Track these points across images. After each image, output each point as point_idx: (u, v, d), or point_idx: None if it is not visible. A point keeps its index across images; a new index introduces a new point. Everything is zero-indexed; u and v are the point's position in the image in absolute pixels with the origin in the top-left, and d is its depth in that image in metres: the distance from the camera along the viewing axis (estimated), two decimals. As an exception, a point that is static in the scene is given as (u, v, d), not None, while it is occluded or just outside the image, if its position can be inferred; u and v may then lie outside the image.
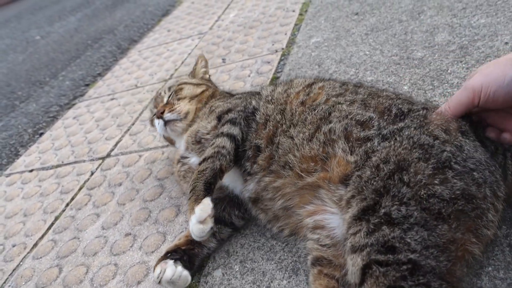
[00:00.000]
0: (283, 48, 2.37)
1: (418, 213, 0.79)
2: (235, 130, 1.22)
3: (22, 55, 4.70)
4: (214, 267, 1.20)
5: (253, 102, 1.29)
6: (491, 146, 0.96)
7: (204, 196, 1.09)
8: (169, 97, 1.57)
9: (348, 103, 1.09)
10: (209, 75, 1.78)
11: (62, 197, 1.84)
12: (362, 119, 1.01)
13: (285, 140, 1.11)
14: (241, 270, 1.16)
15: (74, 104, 2.88)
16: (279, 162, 1.10)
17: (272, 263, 1.14)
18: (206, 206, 1.07)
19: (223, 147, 1.19)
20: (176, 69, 2.72)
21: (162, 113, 1.47)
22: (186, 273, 1.13)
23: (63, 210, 1.74)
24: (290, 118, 1.14)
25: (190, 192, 1.13)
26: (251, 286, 1.10)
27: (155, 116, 1.52)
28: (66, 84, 3.32)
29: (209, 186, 1.12)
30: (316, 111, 1.10)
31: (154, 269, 1.13)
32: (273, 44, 2.48)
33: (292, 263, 1.12)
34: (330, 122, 1.05)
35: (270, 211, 1.16)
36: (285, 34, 2.55)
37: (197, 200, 1.08)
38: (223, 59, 2.56)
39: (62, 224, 1.65)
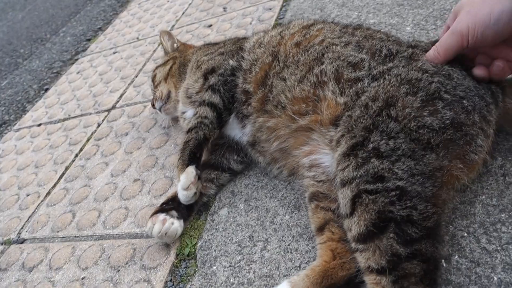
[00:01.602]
0: (284, -6, 2.32)
1: (406, 145, 0.82)
2: (216, 98, 1.28)
3: (21, 12, 4.64)
4: (220, 206, 1.25)
5: (231, 62, 1.31)
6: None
7: (188, 165, 1.18)
8: (153, 88, 1.68)
9: (343, 44, 1.10)
10: (177, 44, 1.78)
11: (71, 148, 1.88)
12: (354, 61, 1.03)
13: (278, 82, 1.13)
14: (246, 208, 1.21)
15: (77, 59, 2.87)
16: (272, 102, 1.13)
17: (275, 200, 1.19)
18: (189, 174, 1.16)
19: (205, 117, 1.26)
20: (177, 20, 2.69)
21: (153, 105, 1.63)
22: (175, 226, 1.17)
23: (73, 161, 1.79)
24: (284, 59, 1.16)
25: (178, 160, 1.23)
26: (255, 222, 1.15)
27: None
28: (68, 40, 3.30)
29: (193, 155, 1.21)
30: (309, 52, 1.11)
31: (147, 222, 1.18)
32: (274, -9, 2.42)
33: (294, 199, 1.16)
34: (322, 64, 1.06)
35: (268, 153, 1.21)
36: (287, -21, 2.48)
37: (182, 169, 1.18)
38: (224, 8, 2.52)
39: (72, 174, 1.71)
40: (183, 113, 1.44)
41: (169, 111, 1.60)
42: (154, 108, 1.63)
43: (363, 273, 0.81)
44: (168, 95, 1.58)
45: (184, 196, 1.17)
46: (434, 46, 0.97)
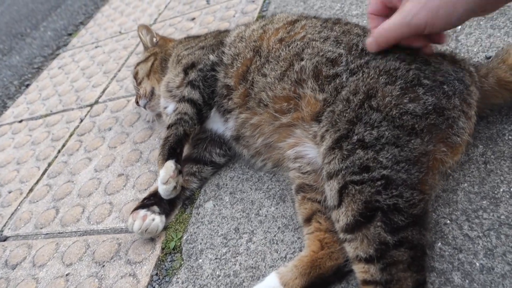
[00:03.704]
0: (267, -13, 2.31)
1: (389, 132, 0.83)
2: (196, 95, 1.28)
3: (0, 7, 4.53)
4: (205, 199, 1.25)
5: (211, 57, 1.30)
6: (445, 58, 0.98)
7: (166, 160, 1.19)
8: (136, 86, 1.64)
9: (322, 40, 1.09)
10: (156, 38, 1.74)
11: (54, 144, 1.85)
12: (332, 56, 1.03)
13: (259, 78, 1.13)
14: (231, 201, 1.20)
15: (58, 54, 2.83)
16: (254, 100, 1.14)
17: (261, 192, 1.19)
18: (168, 168, 1.17)
19: (185, 113, 1.26)
20: (159, 13, 2.66)
21: (137, 102, 1.60)
22: (156, 222, 1.16)
23: (56, 157, 1.77)
24: (266, 55, 1.15)
25: (158, 155, 1.23)
26: (241, 214, 1.15)
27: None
28: (48, 34, 3.24)
29: (173, 150, 1.21)
30: (290, 47, 1.11)
31: (128, 218, 1.18)
32: (257, -17, 2.41)
33: (280, 191, 1.16)
34: (302, 60, 1.06)
35: (252, 147, 1.21)
36: (270, -28, 2.47)
37: (161, 164, 1.19)
38: (207, 1, 2.50)
39: (55, 170, 1.68)
40: (165, 108, 1.44)
41: (154, 108, 1.58)
42: (138, 105, 1.60)
43: (351, 263, 0.82)
44: (152, 92, 1.57)
45: (163, 190, 1.17)
46: (377, 33, 0.93)
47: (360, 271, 0.79)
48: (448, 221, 0.91)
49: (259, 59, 1.16)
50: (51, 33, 3.25)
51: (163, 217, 1.19)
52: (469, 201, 0.93)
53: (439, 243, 0.88)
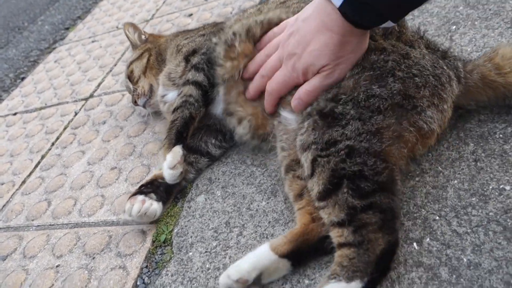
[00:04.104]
0: (265, -16, 2.31)
1: (354, 111, 0.89)
2: (200, 77, 1.27)
3: (-2, 0, 4.52)
4: (197, 193, 1.25)
5: (214, 40, 1.29)
6: (436, 52, 1.02)
7: (174, 145, 1.19)
8: (132, 86, 1.58)
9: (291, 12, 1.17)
10: (145, 35, 1.70)
11: (47, 137, 1.85)
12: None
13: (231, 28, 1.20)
14: (223, 195, 1.20)
15: (54, 48, 2.82)
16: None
17: (252, 187, 1.19)
18: (176, 154, 1.18)
19: (190, 95, 1.25)
20: (157, 9, 2.66)
21: (136, 102, 1.56)
22: (155, 207, 1.17)
23: (49, 149, 1.76)
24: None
25: (164, 139, 1.24)
26: (232, 208, 1.15)
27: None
28: (46, 28, 3.23)
29: (180, 135, 1.22)
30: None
31: (126, 204, 1.17)
32: (255, -20, 2.41)
33: (271, 186, 1.16)
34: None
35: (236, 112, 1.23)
36: (268, -31, 2.47)
37: (169, 148, 1.19)
38: (205, -3, 2.50)
39: (48, 162, 1.68)
40: (163, 96, 1.42)
41: (153, 106, 1.55)
42: (137, 105, 1.56)
43: (329, 231, 0.86)
44: (151, 89, 1.54)
45: (170, 175, 1.18)
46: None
47: (335, 235, 0.84)
48: (437, 217, 0.91)
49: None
50: (49, 27, 3.24)
51: (161, 204, 1.19)
52: (458, 197, 0.94)
53: (428, 239, 0.88)
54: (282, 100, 1.09)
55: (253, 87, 1.14)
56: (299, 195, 1.01)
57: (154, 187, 1.21)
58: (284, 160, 1.07)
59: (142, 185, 1.23)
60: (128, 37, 1.70)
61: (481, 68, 1.03)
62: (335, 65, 0.94)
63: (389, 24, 0.86)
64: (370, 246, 0.79)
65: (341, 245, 0.82)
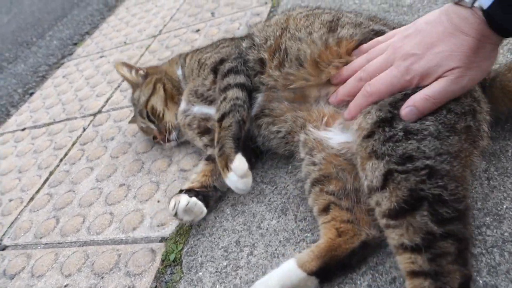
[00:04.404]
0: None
1: (434, 127, 0.83)
2: (241, 78, 1.21)
3: (7, 16, 4.58)
4: (207, 211, 1.24)
5: (244, 44, 1.29)
6: None
7: (236, 153, 1.10)
8: (154, 125, 1.49)
9: (354, 14, 1.16)
10: (142, 71, 1.59)
11: (56, 153, 1.85)
12: (377, 29, 1.07)
13: (291, 44, 1.12)
14: (232, 213, 1.20)
15: (63, 63, 2.84)
16: (290, 64, 1.12)
17: (262, 205, 1.18)
18: (242, 160, 1.08)
19: (237, 98, 1.18)
20: (165, 25, 2.68)
21: (168, 140, 1.46)
22: (201, 204, 1.14)
23: (57, 165, 1.77)
24: (295, 27, 1.16)
25: (219, 150, 1.13)
26: (242, 227, 1.14)
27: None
28: (54, 43, 3.27)
29: (238, 141, 1.13)
30: (321, 17, 1.14)
31: (169, 203, 1.15)
32: (262, -4, 2.43)
33: (281, 204, 1.16)
34: (341, 26, 1.08)
35: (274, 111, 1.18)
36: (274, -15, 2.49)
37: (230, 157, 1.09)
38: (212, 13, 2.52)
39: (57, 178, 1.68)
40: (186, 111, 1.37)
41: (183, 135, 1.48)
42: (169, 142, 1.47)
43: (394, 253, 0.81)
44: (177, 120, 1.45)
45: (243, 185, 1.09)
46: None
47: (406, 262, 0.78)
48: (451, 238, 0.90)
49: (289, 32, 1.16)
50: (57, 42, 3.27)
51: (204, 207, 1.16)
52: (472, 217, 0.92)
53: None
54: (329, 119, 1.05)
55: (344, 91, 1.00)
56: (325, 210, 0.99)
57: (193, 193, 1.17)
58: (312, 173, 1.05)
59: (181, 190, 1.19)
60: (125, 78, 1.60)
61: (501, 77, 1.02)
62: (466, 68, 0.81)
63: None
64: (450, 279, 0.73)
65: (415, 274, 0.76)
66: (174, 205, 1.12)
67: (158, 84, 1.48)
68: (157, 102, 1.46)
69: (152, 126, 1.49)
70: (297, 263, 0.91)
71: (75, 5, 3.98)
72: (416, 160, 0.80)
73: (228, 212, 1.20)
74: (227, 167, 1.09)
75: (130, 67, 1.59)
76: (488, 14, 0.74)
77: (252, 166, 1.28)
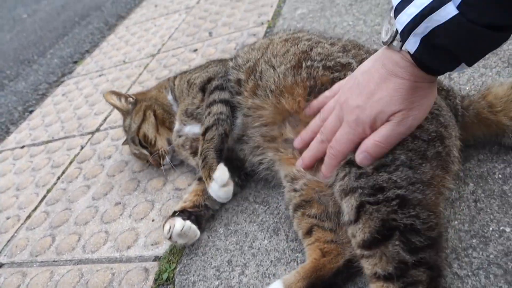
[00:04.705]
0: (268, 21, 2.38)
1: (404, 156, 0.86)
2: (226, 95, 1.28)
3: (9, 34, 4.65)
4: (200, 230, 1.25)
5: (230, 63, 1.33)
6: (441, 91, 1.05)
7: (218, 163, 1.17)
8: (147, 150, 1.52)
9: (329, 44, 1.17)
10: (131, 98, 1.62)
11: (54, 171, 1.88)
12: (344, 62, 1.08)
13: (267, 68, 1.17)
14: (225, 232, 1.21)
15: (62, 82, 2.88)
16: (262, 89, 1.17)
17: (255, 225, 1.20)
18: (223, 170, 1.15)
19: (221, 112, 1.24)
20: (163, 44, 2.73)
21: (161, 164, 1.49)
22: (195, 227, 1.18)
23: (55, 183, 1.79)
24: (273, 51, 1.21)
25: (202, 162, 1.19)
26: (234, 247, 1.16)
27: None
28: (55, 62, 3.31)
29: (220, 152, 1.20)
30: (298, 45, 1.17)
31: (163, 227, 1.16)
32: (259, 17, 2.48)
33: (273, 224, 1.17)
34: (311, 60, 1.11)
35: (253, 140, 1.22)
36: (271, 6, 2.55)
37: (212, 168, 1.16)
38: (209, 33, 2.57)
39: (54, 196, 1.70)
40: (179, 131, 1.42)
41: (178, 157, 1.53)
42: (163, 166, 1.49)
43: (369, 282, 0.83)
44: (170, 143, 1.50)
45: (224, 193, 1.16)
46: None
47: None
48: (438, 259, 0.92)
49: (266, 55, 1.21)
50: (58, 60, 3.32)
51: (198, 230, 1.20)
52: (459, 239, 0.94)
53: (429, 281, 0.88)
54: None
55: (310, 155, 1.03)
56: (308, 232, 1.02)
57: (186, 215, 1.20)
58: (293, 199, 1.09)
59: (175, 211, 1.22)
60: (115, 106, 1.63)
61: (476, 104, 1.06)
62: (408, 110, 0.83)
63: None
64: None
65: None
66: (169, 229, 1.13)
67: (148, 111, 1.52)
68: (149, 129, 1.49)
69: (145, 151, 1.52)
70: (284, 285, 0.92)
71: (76, 23, 4.04)
72: (387, 191, 0.83)
73: (221, 232, 1.22)
74: (209, 177, 1.15)
75: (119, 95, 1.62)
76: (415, 58, 0.77)
77: (243, 184, 1.32)
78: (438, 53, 0.75)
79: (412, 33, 0.74)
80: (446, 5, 0.69)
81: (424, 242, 0.78)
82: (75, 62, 3.14)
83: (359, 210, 0.84)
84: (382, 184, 0.84)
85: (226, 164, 1.18)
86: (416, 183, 0.83)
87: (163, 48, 2.68)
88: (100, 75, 2.69)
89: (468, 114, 1.05)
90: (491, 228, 0.94)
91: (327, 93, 1.04)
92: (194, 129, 1.39)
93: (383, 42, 0.82)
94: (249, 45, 1.42)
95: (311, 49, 1.15)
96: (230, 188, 1.17)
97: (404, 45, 0.77)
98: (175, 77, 1.59)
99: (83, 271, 1.28)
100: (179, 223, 1.14)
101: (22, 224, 1.62)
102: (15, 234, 1.58)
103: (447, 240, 0.94)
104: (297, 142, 1.08)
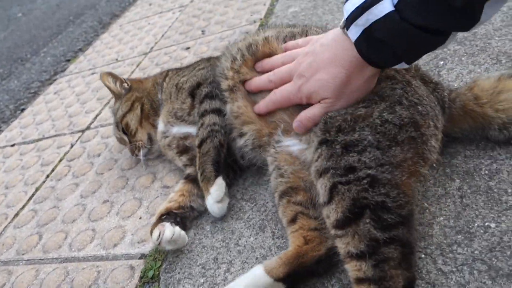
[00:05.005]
0: (261, 19, 2.37)
1: (372, 136, 0.87)
2: (217, 103, 1.27)
3: (3, 32, 4.63)
4: (185, 231, 1.24)
5: (218, 62, 1.32)
6: (430, 84, 1.06)
7: (216, 177, 1.19)
8: (127, 138, 1.55)
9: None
10: (126, 83, 1.62)
11: (43, 169, 1.86)
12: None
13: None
14: (212, 230, 1.20)
15: (55, 80, 2.87)
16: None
17: (241, 222, 1.19)
18: (220, 186, 1.18)
19: (214, 123, 1.25)
20: (156, 42, 2.71)
21: (136, 154, 1.54)
22: (184, 233, 1.17)
23: (44, 182, 1.77)
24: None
25: (201, 175, 1.21)
26: (220, 244, 1.15)
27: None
28: (48, 60, 3.30)
29: (217, 165, 1.21)
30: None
31: (152, 232, 1.15)
32: (252, 15, 2.47)
33: (260, 221, 1.16)
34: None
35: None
36: (264, 4, 2.54)
37: (210, 182, 1.18)
38: (202, 31, 2.56)
39: (42, 195, 1.68)
40: (165, 132, 1.43)
41: (157, 152, 1.56)
42: (137, 156, 1.54)
43: (344, 263, 0.83)
44: (150, 138, 1.53)
45: (219, 209, 1.19)
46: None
47: (352, 269, 0.80)
48: (423, 255, 0.91)
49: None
50: (50, 58, 3.30)
51: (186, 236, 1.19)
52: (444, 235, 0.93)
53: (413, 278, 0.87)
54: (286, 127, 1.09)
55: (258, 84, 1.14)
56: (293, 220, 1.02)
57: (172, 218, 1.20)
58: (280, 186, 1.08)
59: (162, 214, 1.21)
60: (109, 88, 1.63)
61: (462, 96, 1.06)
62: (336, 99, 0.95)
63: (402, 65, 0.85)
64: (392, 283, 0.76)
65: (359, 280, 0.79)
66: (159, 235, 1.12)
67: (137, 103, 1.54)
68: (132, 120, 1.52)
69: (125, 138, 1.56)
70: (265, 269, 0.93)
71: (71, 22, 4.03)
72: (358, 171, 0.84)
73: (208, 229, 1.21)
74: (207, 190, 1.19)
75: (115, 77, 1.63)
76: (356, 46, 0.83)
77: (231, 182, 1.31)
78: (378, 46, 0.80)
79: (354, 23, 0.80)
80: (383, 1, 0.73)
81: (395, 219, 0.79)
82: (68, 61, 3.12)
83: (332, 190, 0.85)
84: (353, 164, 0.85)
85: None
86: (385, 164, 0.84)
87: (156, 46, 2.67)
88: (92, 73, 2.68)
89: (455, 106, 1.05)
90: (476, 224, 0.93)
91: (300, 41, 1.12)
92: (182, 129, 1.39)
93: (340, 26, 0.88)
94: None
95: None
96: (225, 205, 1.20)
97: (347, 32, 0.83)
98: (166, 76, 1.58)
99: (68, 270, 1.27)
100: (169, 230, 1.12)
101: (9, 222, 1.61)
102: (3, 233, 1.56)
103: (432, 236, 0.93)
104: (257, 65, 1.18)
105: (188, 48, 2.42)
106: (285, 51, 1.14)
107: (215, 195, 1.17)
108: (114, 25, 3.44)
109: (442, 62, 1.42)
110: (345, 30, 0.84)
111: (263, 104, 1.11)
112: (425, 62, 1.46)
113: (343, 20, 0.85)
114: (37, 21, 4.55)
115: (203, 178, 1.20)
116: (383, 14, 0.74)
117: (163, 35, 2.78)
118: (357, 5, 0.78)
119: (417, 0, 0.71)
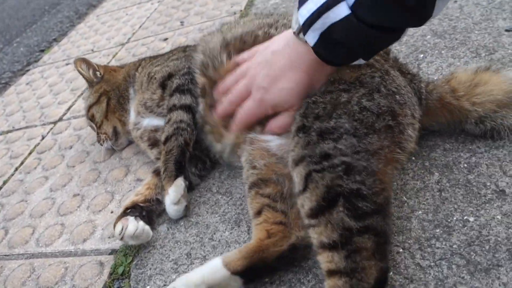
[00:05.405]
0: (241, 10, 2.32)
1: (348, 124, 0.85)
2: (187, 99, 1.23)
3: (-25, 22, 4.47)
4: (160, 222, 1.20)
5: (194, 55, 1.27)
6: (407, 75, 1.04)
7: (176, 177, 1.15)
8: (95, 127, 1.54)
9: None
10: (100, 72, 1.57)
11: (12, 161, 1.79)
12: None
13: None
14: (186, 224, 1.16)
15: (28, 70, 2.77)
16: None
17: (216, 216, 1.15)
18: (178, 187, 1.14)
19: (181, 121, 1.21)
20: (133, 33, 2.64)
21: (101, 144, 1.53)
22: (148, 228, 1.12)
23: (12, 175, 1.70)
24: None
25: (163, 173, 1.18)
26: (194, 239, 1.11)
27: None
28: (21, 50, 3.19)
29: (179, 164, 1.17)
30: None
31: (115, 226, 1.11)
32: (232, 6, 2.43)
33: (235, 215, 1.13)
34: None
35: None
36: (245, -4, 2.50)
37: (169, 181, 1.14)
38: (181, 22, 2.50)
39: (10, 188, 1.61)
40: (137, 123, 1.39)
41: (123, 145, 1.55)
42: (103, 146, 1.53)
43: (317, 254, 0.80)
44: (115, 131, 1.51)
45: (175, 211, 1.15)
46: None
47: (324, 261, 0.77)
48: (401, 250, 0.89)
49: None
50: (24, 49, 3.19)
51: (150, 231, 1.14)
52: (422, 229, 0.91)
53: (391, 273, 0.85)
54: (261, 128, 1.06)
55: (221, 110, 1.11)
56: (258, 212, 0.99)
57: (137, 211, 1.15)
58: (250, 177, 1.05)
59: (127, 208, 1.17)
60: (82, 75, 1.58)
61: (439, 89, 1.05)
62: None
63: (360, 61, 0.87)
64: (364, 275, 0.73)
65: (331, 273, 0.76)
66: (121, 230, 1.08)
67: (103, 97, 1.50)
68: (98, 112, 1.50)
69: (93, 126, 1.55)
70: (223, 262, 0.90)
71: (46, 12, 3.91)
72: (333, 158, 0.81)
73: (182, 223, 1.17)
74: (167, 190, 1.15)
75: (89, 64, 1.57)
76: (315, 50, 0.85)
77: (200, 173, 1.29)
78: (336, 47, 0.82)
79: (311, 28, 0.80)
80: (339, 4, 0.75)
81: (370, 206, 0.77)
82: (42, 51, 3.02)
83: (307, 179, 0.83)
84: (328, 151, 0.83)
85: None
86: (361, 151, 0.82)
87: (133, 37, 2.60)
88: (66, 64, 2.59)
89: (431, 98, 1.03)
90: (455, 218, 0.91)
91: (245, 54, 1.09)
92: (152, 121, 1.36)
93: (293, 31, 0.87)
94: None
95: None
96: (181, 207, 1.15)
97: (305, 37, 0.83)
98: (139, 65, 1.53)
99: (34, 266, 1.21)
100: (132, 225, 1.08)
101: (-26, 217, 1.53)
102: (-33, 228, 1.49)
103: (411, 230, 0.91)
104: (215, 92, 1.14)
105: (166, 39, 2.36)
106: (231, 68, 1.11)
107: (172, 196, 1.13)
108: (91, 15, 3.34)
109: (422, 55, 1.41)
110: (301, 35, 0.84)
111: (234, 126, 1.08)
112: (405, 55, 1.44)
113: (297, 25, 0.84)
114: (11, 11, 4.40)
115: (164, 176, 1.17)
116: (341, 17, 0.76)
117: (140, 26, 2.71)
118: (313, 11, 0.79)
119: (372, 2, 0.73)
